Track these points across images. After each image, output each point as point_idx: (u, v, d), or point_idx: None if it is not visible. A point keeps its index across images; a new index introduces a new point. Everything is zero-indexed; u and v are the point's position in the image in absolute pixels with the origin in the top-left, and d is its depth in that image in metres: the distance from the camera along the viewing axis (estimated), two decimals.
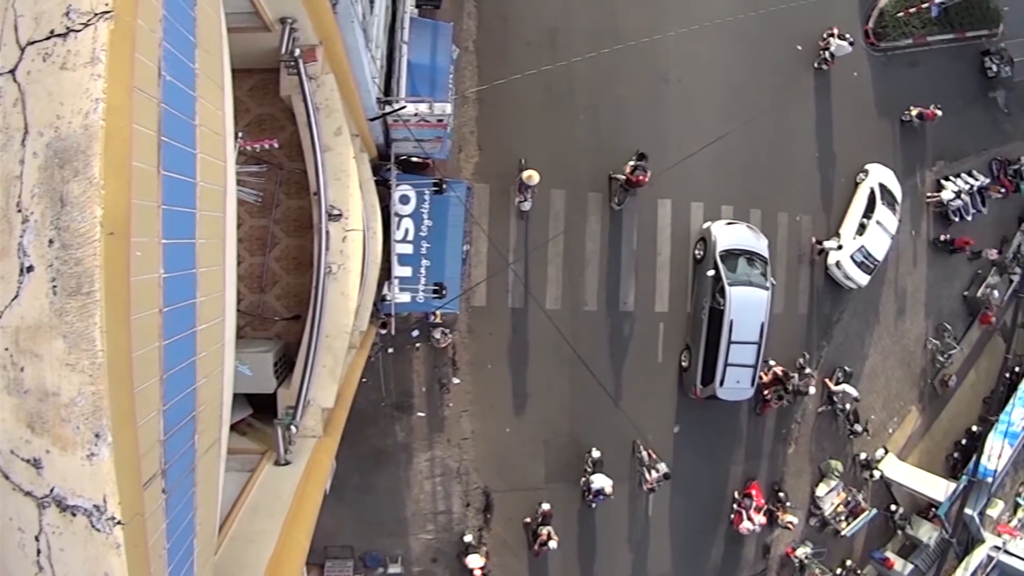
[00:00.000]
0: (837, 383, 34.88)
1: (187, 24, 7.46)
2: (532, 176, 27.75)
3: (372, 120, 20.98)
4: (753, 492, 33.15)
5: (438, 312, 27.30)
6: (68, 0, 5.56)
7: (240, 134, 14.10)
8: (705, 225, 31.87)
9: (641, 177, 29.27)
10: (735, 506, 33.25)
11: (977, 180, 39.61)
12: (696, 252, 31.91)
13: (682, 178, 31.32)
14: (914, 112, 36.61)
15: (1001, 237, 41.90)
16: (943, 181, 39.09)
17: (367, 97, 19.34)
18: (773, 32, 34.11)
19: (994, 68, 41.33)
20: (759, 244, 31.20)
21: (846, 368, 35.68)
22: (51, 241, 5.37)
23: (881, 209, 34.66)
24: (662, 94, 31.91)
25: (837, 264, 34.31)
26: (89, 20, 5.46)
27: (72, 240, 5.35)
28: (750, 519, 32.52)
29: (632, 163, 29.41)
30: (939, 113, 36.12)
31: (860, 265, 34.21)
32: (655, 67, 31.58)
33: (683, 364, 32.14)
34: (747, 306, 30.14)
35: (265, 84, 17.09)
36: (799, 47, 34.96)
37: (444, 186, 24.99)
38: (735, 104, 32.95)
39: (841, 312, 35.79)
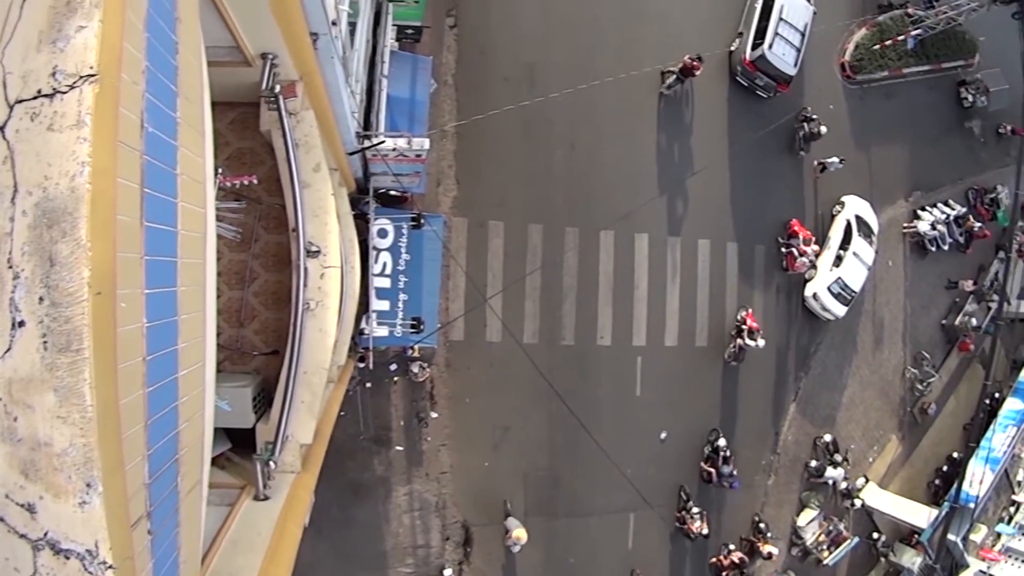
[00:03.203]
0: (821, 470, 35.37)
1: (169, 73, 7.62)
2: (520, 537, 27.81)
3: (351, 154, 20.97)
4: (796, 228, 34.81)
5: (416, 346, 27.32)
6: (54, 61, 5.72)
7: (220, 169, 14.10)
8: None
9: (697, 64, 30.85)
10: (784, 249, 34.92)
11: (953, 210, 40.05)
12: None
13: (660, 212, 31.70)
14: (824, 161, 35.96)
15: (978, 265, 42.33)
16: (919, 211, 39.51)
17: (346, 131, 19.31)
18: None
19: (970, 98, 41.77)
20: None
21: (826, 438, 36.15)
22: (41, 299, 5.56)
23: (858, 240, 34.94)
24: (638, 129, 32.17)
25: (814, 296, 34.60)
26: (74, 83, 5.62)
27: (61, 299, 5.53)
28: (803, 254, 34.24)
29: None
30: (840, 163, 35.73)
31: (837, 296, 34.49)
32: (632, 103, 31.84)
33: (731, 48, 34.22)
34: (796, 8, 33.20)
35: (246, 118, 17.06)
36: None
37: (422, 220, 25.13)
38: (713, 138, 33.39)
39: (819, 343, 36.02)
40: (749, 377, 32.98)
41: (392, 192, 25.99)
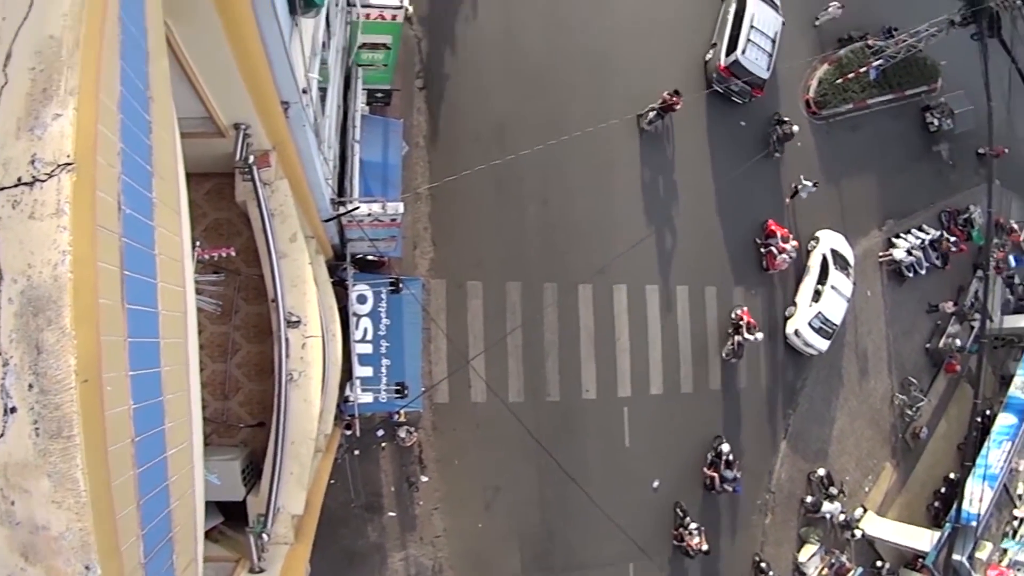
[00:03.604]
0: (817, 505, 35.16)
1: (144, 153, 7.62)
2: None
3: (327, 221, 20.87)
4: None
5: (402, 411, 27.11)
6: (33, 148, 5.70)
7: (198, 241, 14.12)
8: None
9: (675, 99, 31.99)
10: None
11: (928, 234, 40.32)
12: None
13: (636, 262, 31.72)
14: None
15: (957, 286, 42.53)
16: (894, 239, 39.79)
17: (321, 198, 19.19)
18: (720, 111, 35.30)
19: (936, 122, 42.30)
20: None
21: (820, 472, 35.94)
22: (31, 386, 5.53)
23: (835, 274, 35.21)
24: (609, 181, 32.46)
25: (796, 332, 34.70)
26: (53, 171, 5.61)
27: (50, 386, 5.52)
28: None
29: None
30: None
31: (819, 331, 34.59)
32: (601, 156, 32.09)
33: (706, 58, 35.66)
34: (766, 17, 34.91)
35: (221, 188, 16.96)
36: (743, 123, 35.99)
37: (400, 284, 24.95)
38: (683, 183, 33.71)
39: (804, 379, 36.02)
40: (738, 417, 32.98)
41: (369, 257, 26.07)
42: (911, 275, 39.61)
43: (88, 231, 5.88)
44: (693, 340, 33.12)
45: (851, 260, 36.42)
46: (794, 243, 34.99)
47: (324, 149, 19.37)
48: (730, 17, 35.37)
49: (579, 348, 31.11)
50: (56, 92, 5.83)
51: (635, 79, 33.64)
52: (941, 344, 40.71)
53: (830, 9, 39.03)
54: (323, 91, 19.49)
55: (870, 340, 38.58)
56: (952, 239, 41.24)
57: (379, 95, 28.00)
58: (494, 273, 29.98)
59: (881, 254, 39.52)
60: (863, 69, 38.75)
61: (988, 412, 40.35)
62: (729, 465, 32.23)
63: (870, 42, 39.95)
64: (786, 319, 35.34)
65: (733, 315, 33.80)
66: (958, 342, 40.79)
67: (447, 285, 29.59)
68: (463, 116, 30.57)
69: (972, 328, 41.51)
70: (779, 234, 34.97)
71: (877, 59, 39.06)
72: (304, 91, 14.51)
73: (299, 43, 14.09)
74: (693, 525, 31.11)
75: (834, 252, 35.82)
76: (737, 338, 33.20)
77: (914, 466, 39.83)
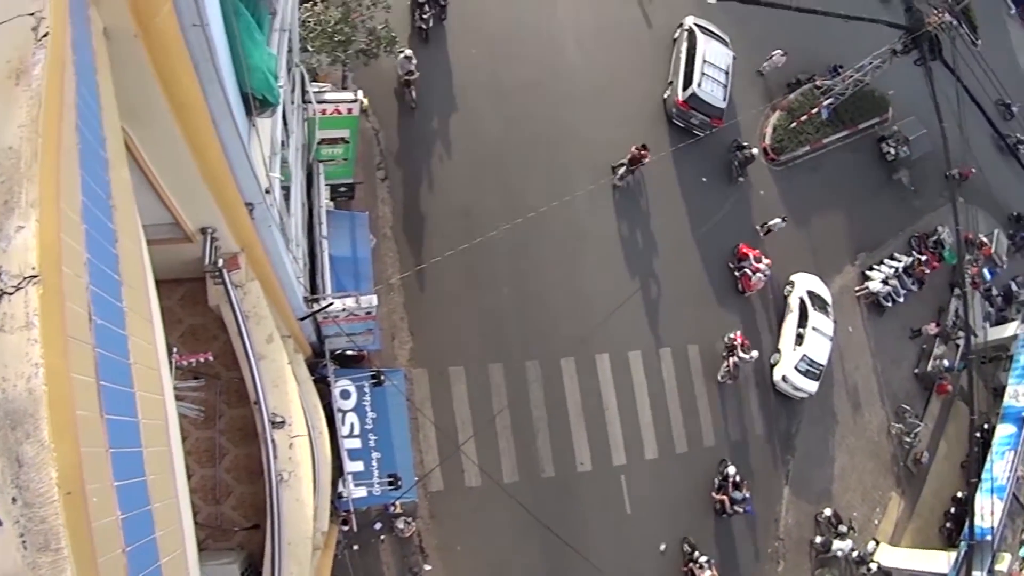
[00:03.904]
0: (827, 544, 34.64)
1: (110, 262, 7.55)
2: None
3: (302, 320, 20.69)
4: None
5: (397, 502, 26.74)
6: None
7: (175, 348, 13.91)
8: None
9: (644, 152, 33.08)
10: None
11: (900, 262, 40.55)
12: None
13: (615, 329, 31.73)
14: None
15: (937, 307, 42.76)
16: (868, 272, 40.11)
17: (294, 297, 19.04)
18: (682, 167, 35.76)
19: (892, 151, 42.98)
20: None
21: (827, 512, 35.44)
22: (14, 499, 5.37)
23: (814, 315, 35.37)
24: (580, 252, 32.69)
25: (783, 378, 34.66)
26: (19, 284, 5.49)
27: (33, 500, 5.37)
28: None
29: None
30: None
31: (806, 373, 34.54)
32: (568, 228, 32.37)
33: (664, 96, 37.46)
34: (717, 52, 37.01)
35: (194, 293, 16.87)
36: (704, 179, 36.53)
37: (382, 377, 24.67)
38: (655, 237, 34.12)
39: (798, 423, 35.79)
40: (738, 469, 32.46)
41: (349, 352, 25.98)
42: (890, 304, 39.82)
43: (59, 343, 5.79)
44: (682, 399, 32.91)
45: (828, 299, 36.64)
46: (767, 261, 35.37)
47: (292, 248, 19.38)
48: (683, 55, 37.17)
49: (568, 421, 30.82)
50: (17, 204, 5.74)
51: (594, 144, 34.38)
52: (929, 367, 40.64)
53: (773, 57, 40.13)
54: (286, 190, 19.56)
55: (858, 374, 38.53)
56: (923, 258, 41.65)
57: (342, 189, 28.21)
58: (475, 357, 29.84)
59: (857, 288, 39.78)
60: (815, 110, 39.45)
61: (986, 426, 39.98)
62: (737, 486, 32.02)
63: (818, 82, 40.84)
64: (772, 367, 35.30)
65: (727, 338, 34.01)
66: (946, 362, 40.69)
67: (429, 373, 29.35)
68: (427, 204, 30.83)
69: (958, 347, 41.62)
70: (751, 255, 35.43)
71: (827, 98, 39.79)
72: (267, 191, 14.54)
73: (258, 143, 14.08)
74: (703, 558, 30.57)
75: (811, 294, 36.08)
76: (733, 359, 33.41)
77: (920, 491, 39.39)
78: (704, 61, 36.59)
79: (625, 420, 31.58)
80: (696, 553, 30.88)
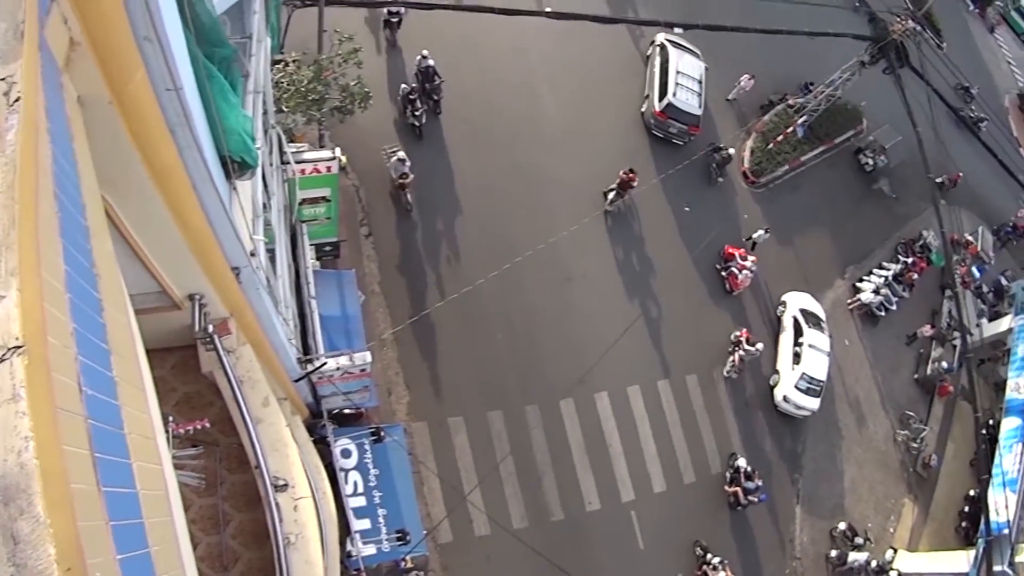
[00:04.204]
0: (842, 557, 34.22)
1: (98, 332, 7.42)
2: None
3: (297, 381, 20.59)
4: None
5: (408, 557, 26.44)
6: None
7: (171, 417, 13.61)
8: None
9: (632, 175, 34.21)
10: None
11: (889, 270, 40.78)
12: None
13: (611, 367, 31.54)
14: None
15: (931, 311, 42.95)
16: (858, 284, 40.32)
17: (287, 359, 19.08)
18: (658, 200, 36.07)
19: (871, 162, 43.45)
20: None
21: (841, 526, 35.06)
22: None
23: (809, 332, 35.48)
24: (570, 293, 32.79)
25: (784, 398, 34.64)
26: (4, 355, 5.35)
27: None
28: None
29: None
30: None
31: (807, 391, 34.51)
32: (556, 270, 32.51)
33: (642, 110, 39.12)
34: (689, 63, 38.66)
35: (186, 361, 16.66)
36: (687, 208, 36.77)
37: (382, 433, 24.64)
38: (641, 279, 34.30)
39: (804, 441, 35.65)
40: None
41: (346, 411, 25.71)
42: (883, 314, 39.93)
43: (49, 415, 5.64)
44: (685, 430, 32.80)
45: (822, 315, 36.81)
46: (752, 258, 36.13)
47: (282, 309, 19.32)
48: (656, 69, 38.78)
49: (573, 462, 30.61)
50: None
51: (579, 181, 35.07)
52: (929, 371, 40.64)
53: (741, 82, 40.62)
54: (271, 252, 19.57)
55: (859, 386, 38.49)
56: (910, 261, 41.91)
57: (327, 248, 28.22)
58: (473, 406, 29.72)
59: (849, 301, 39.93)
60: (790, 129, 39.85)
61: (991, 422, 40.07)
62: (749, 477, 32.15)
63: (790, 102, 41.34)
64: (772, 388, 35.31)
65: (732, 336, 34.66)
66: (945, 364, 40.69)
67: (429, 425, 29.18)
68: (413, 256, 30.96)
69: (954, 347, 41.65)
70: (737, 255, 36.18)
71: (801, 116, 40.18)
72: (252, 254, 14.49)
73: (240, 207, 14.07)
74: (716, 559, 30.40)
75: (803, 311, 36.25)
76: (739, 353, 34.05)
77: (933, 494, 39.19)
78: (678, 72, 38.07)
79: (630, 456, 31.40)
80: (708, 555, 30.74)
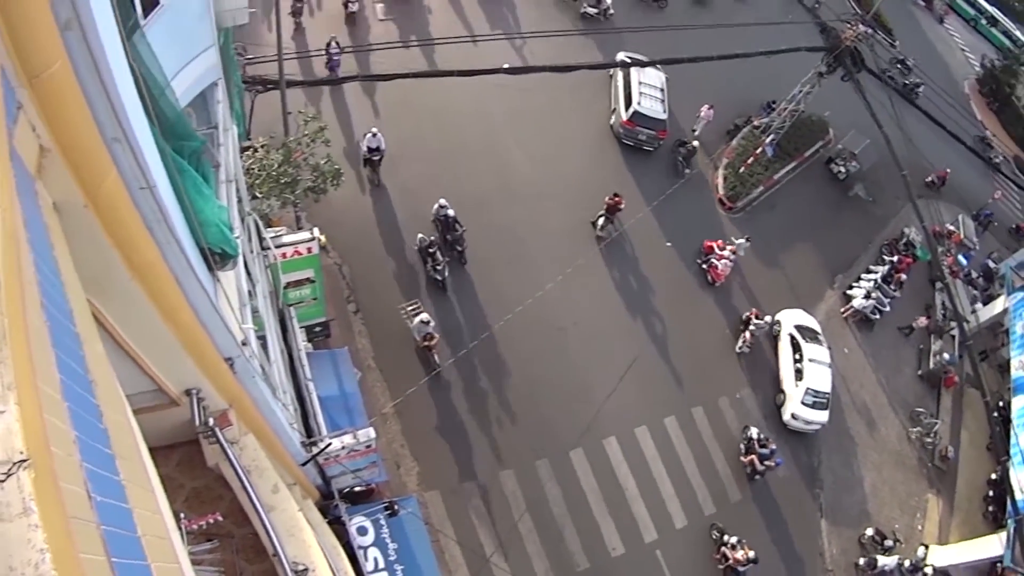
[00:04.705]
0: (872, 563, 33.89)
1: (100, 438, 7.38)
2: None
3: (304, 465, 20.48)
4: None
5: None
6: None
7: (183, 514, 13.57)
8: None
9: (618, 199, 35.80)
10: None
11: (877, 272, 41.16)
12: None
13: (616, 411, 31.79)
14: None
15: (924, 305, 43.28)
16: (848, 291, 40.67)
17: (291, 444, 18.88)
18: (640, 240, 36.57)
19: (843, 169, 44.22)
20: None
21: (868, 532, 34.84)
22: None
23: (808, 347, 35.67)
24: (564, 343, 32.85)
25: (793, 416, 34.70)
26: (10, 470, 5.24)
27: None
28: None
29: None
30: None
31: (814, 405, 34.60)
32: (548, 322, 32.65)
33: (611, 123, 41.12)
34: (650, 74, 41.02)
35: (191, 456, 16.33)
36: (668, 243, 37.35)
37: (395, 507, 24.43)
38: (634, 320, 34.50)
39: (819, 455, 35.58)
40: (770, 516, 32.65)
41: (357, 488, 25.53)
42: (877, 316, 40.22)
43: (61, 525, 5.59)
44: (698, 462, 32.74)
45: (818, 328, 37.06)
46: (730, 248, 37.25)
47: (280, 395, 19.26)
48: (620, 83, 41.47)
49: (591, 511, 30.38)
50: None
51: (556, 228, 35.48)
52: (932, 365, 40.93)
53: (701, 113, 41.35)
54: (262, 339, 19.59)
55: (865, 392, 38.58)
56: (895, 260, 42.39)
57: (318, 329, 28.31)
58: (484, 468, 29.59)
59: (842, 309, 40.27)
60: (759, 150, 40.40)
61: (1001, 404, 40.37)
62: (763, 444, 32.86)
63: (756, 123, 41.96)
64: (779, 408, 35.38)
65: (743, 316, 36.30)
66: (946, 356, 40.97)
67: (441, 494, 29.00)
68: (403, 328, 30.78)
69: (953, 338, 41.88)
70: (715, 246, 37.44)
71: (768, 136, 40.69)
72: (244, 343, 14.47)
73: (226, 297, 14.10)
74: (733, 539, 30.60)
75: (799, 327, 36.53)
76: (750, 328, 35.63)
77: (955, 485, 39.12)
78: (640, 83, 40.45)
79: (647, 496, 31.22)
80: (725, 536, 30.87)
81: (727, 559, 30.47)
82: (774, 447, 32.91)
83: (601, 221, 36.04)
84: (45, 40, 5.38)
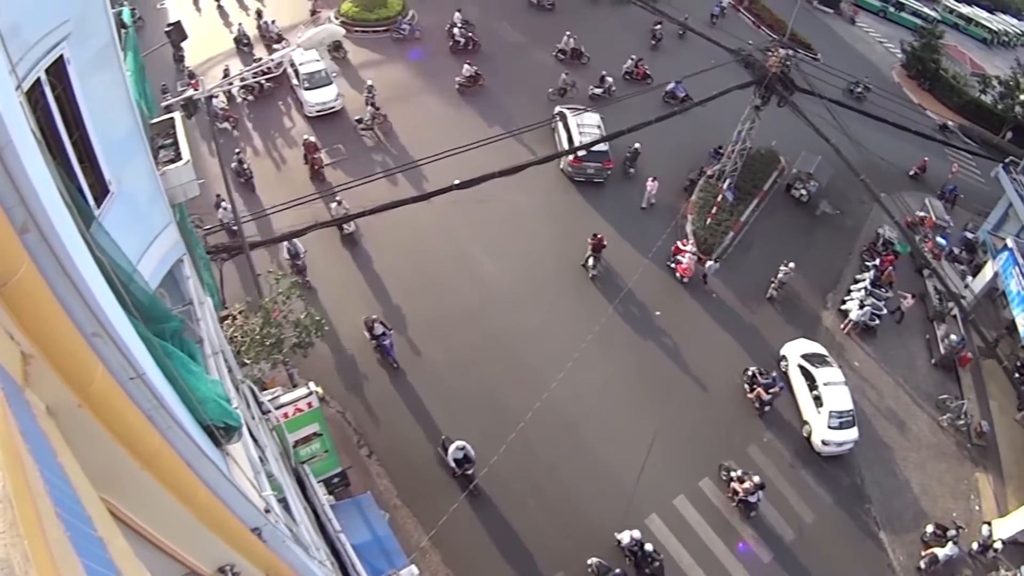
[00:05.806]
0: (933, 560, 33.31)
1: None
2: None
3: None
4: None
5: None
6: None
7: None
8: None
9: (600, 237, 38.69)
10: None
11: (864, 280, 41.98)
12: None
13: (650, 489, 32.01)
14: None
15: (920, 295, 43.89)
16: (843, 307, 41.44)
17: None
18: (629, 306, 37.48)
19: (803, 192, 45.51)
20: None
21: (928, 529, 34.28)
22: None
23: (820, 372, 36.05)
24: (582, 435, 33.15)
25: (824, 442, 34.80)
26: None
27: None
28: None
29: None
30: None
31: (841, 426, 34.71)
32: (560, 420, 33.02)
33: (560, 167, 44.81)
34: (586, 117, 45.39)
35: None
36: (657, 313, 38.20)
37: None
38: (647, 395, 35.25)
39: (859, 472, 35.58)
40: (832, 543, 32.70)
41: None
42: (876, 322, 40.80)
43: None
44: (742, 515, 32.62)
45: (824, 351, 37.60)
46: (691, 245, 40.13)
47: (314, 553, 19.13)
48: (561, 131, 45.73)
49: None
50: None
51: (542, 327, 36.46)
52: (943, 351, 41.29)
53: (648, 187, 42.69)
54: (283, 501, 19.41)
55: (887, 397, 38.97)
56: (877, 262, 43.16)
57: (336, 480, 28.62)
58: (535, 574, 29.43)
59: (842, 325, 40.94)
60: (719, 197, 41.48)
61: (1020, 363, 40.92)
62: (762, 375, 35.66)
63: (709, 172, 42.88)
64: (808, 439, 35.47)
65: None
66: (954, 337, 41.45)
67: None
68: (419, 453, 31.40)
69: (955, 318, 42.55)
70: (680, 244, 40.21)
71: (724, 181, 41.50)
72: (267, 511, 14.42)
73: (239, 469, 14.07)
74: (739, 472, 32.20)
75: (805, 356, 37.03)
76: (778, 277, 39.73)
77: (999, 456, 39.04)
78: (578, 125, 44.53)
79: (703, 562, 31.01)
80: (732, 472, 32.31)
81: (737, 494, 31.59)
82: (774, 374, 35.64)
83: (591, 262, 38.54)
84: (6, 247, 5.52)
